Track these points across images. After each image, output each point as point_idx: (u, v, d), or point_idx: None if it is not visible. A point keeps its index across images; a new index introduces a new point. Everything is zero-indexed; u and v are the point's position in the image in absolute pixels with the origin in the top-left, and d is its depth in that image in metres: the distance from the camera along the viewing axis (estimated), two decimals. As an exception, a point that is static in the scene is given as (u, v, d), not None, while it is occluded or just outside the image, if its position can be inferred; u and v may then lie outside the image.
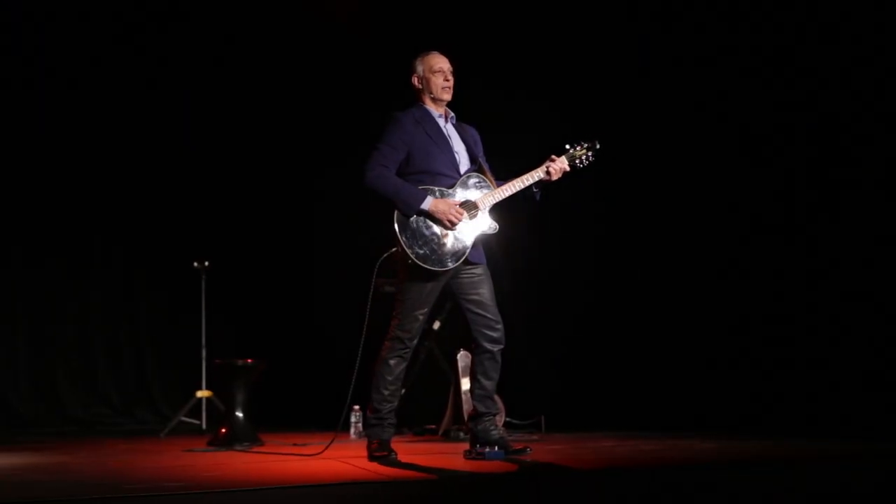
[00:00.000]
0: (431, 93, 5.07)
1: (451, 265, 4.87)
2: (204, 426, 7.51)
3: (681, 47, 6.97)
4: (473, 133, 5.20)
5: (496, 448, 4.85)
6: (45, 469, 4.73)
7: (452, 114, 5.15)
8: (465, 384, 6.22)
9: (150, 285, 8.55)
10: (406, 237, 4.82)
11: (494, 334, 5.03)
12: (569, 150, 5.14)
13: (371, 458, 4.88)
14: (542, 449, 5.36)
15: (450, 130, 5.11)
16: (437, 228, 4.87)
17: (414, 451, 5.25)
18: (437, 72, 5.06)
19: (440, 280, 4.93)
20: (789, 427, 6.15)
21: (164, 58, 8.46)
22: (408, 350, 4.99)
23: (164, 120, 8.46)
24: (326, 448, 5.13)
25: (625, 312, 7.26)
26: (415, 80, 5.11)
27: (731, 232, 6.75)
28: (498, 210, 5.03)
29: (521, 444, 5.15)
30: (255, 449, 5.79)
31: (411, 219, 4.83)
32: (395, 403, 5.02)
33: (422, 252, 4.82)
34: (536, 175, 5.04)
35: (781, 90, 6.48)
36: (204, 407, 7.57)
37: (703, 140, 6.89)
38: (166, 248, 8.49)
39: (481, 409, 5.04)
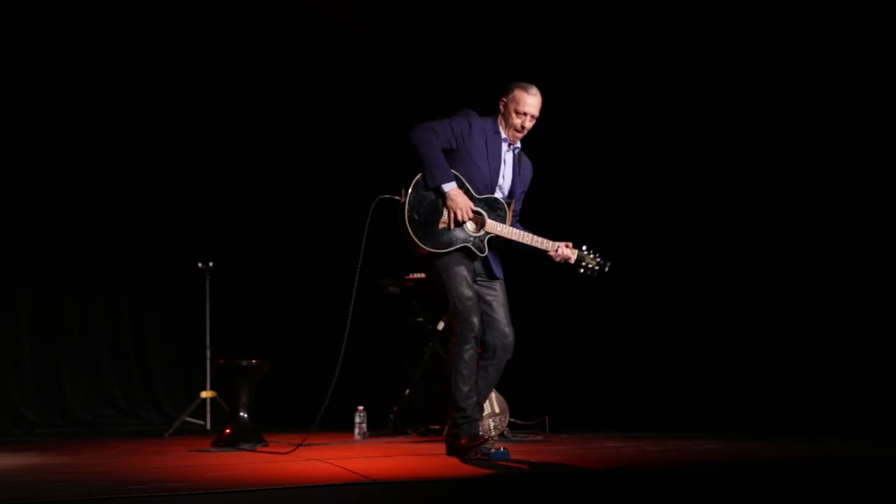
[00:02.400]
0: (506, 125, 5.10)
1: (428, 246, 4.91)
2: (208, 426, 7.52)
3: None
4: (527, 170, 5.24)
5: (501, 448, 4.85)
6: (50, 469, 4.73)
7: (519, 145, 5.18)
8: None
9: (155, 286, 8.56)
10: (413, 196, 4.89)
11: (507, 341, 5.06)
12: (584, 251, 5.18)
13: (465, 453, 4.80)
14: (546, 449, 5.37)
15: (508, 158, 5.14)
16: (443, 214, 4.92)
17: (418, 452, 5.25)
18: (522, 114, 5.06)
19: (466, 275, 4.95)
20: (792, 427, 6.16)
21: (166, 57, 8.47)
22: (477, 337, 4.95)
23: (167, 120, 8.47)
24: (298, 447, 5.18)
25: (628, 312, 7.27)
26: (501, 101, 5.12)
27: (733, 230, 6.76)
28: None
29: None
30: (262, 449, 5.80)
31: (426, 189, 4.91)
32: (476, 398, 5.00)
33: (417, 218, 4.89)
34: (545, 246, 5.09)
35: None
36: (208, 407, 7.59)
37: (713, 141, 6.91)
38: (170, 249, 8.50)
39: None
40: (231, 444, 5.87)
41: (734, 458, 4.75)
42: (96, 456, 5.53)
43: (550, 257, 5.13)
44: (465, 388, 4.94)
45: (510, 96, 5.07)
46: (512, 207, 5.12)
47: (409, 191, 4.91)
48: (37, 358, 8.06)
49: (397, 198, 4.94)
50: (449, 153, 5.00)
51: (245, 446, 5.84)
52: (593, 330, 7.41)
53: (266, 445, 5.92)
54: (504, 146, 5.11)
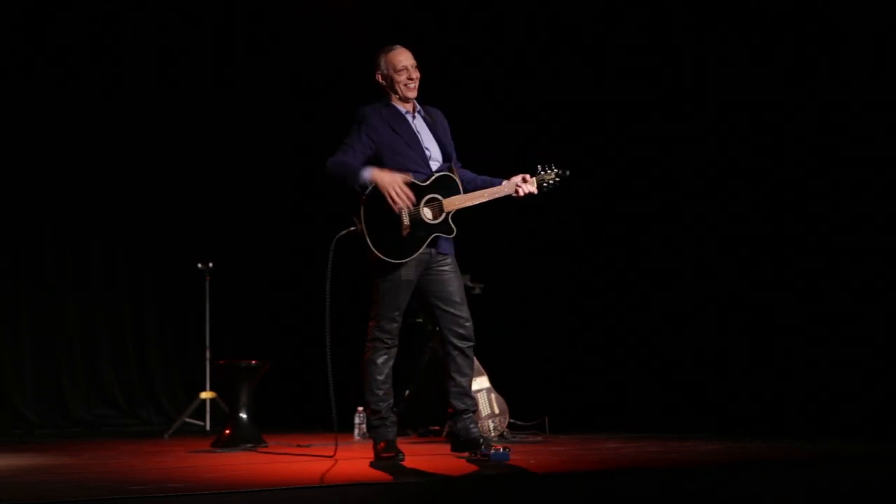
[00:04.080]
0: (396, 91, 5.02)
1: (405, 258, 4.82)
2: (208, 427, 7.52)
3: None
4: (441, 120, 5.14)
5: (502, 449, 4.85)
6: (50, 470, 4.74)
7: (419, 107, 5.09)
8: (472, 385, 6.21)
9: (155, 286, 8.55)
10: (367, 219, 4.78)
11: (463, 331, 5.00)
12: (540, 172, 5.05)
13: (378, 459, 4.88)
14: (545, 450, 5.37)
15: (418, 126, 5.05)
16: (403, 220, 4.79)
17: (418, 453, 5.25)
18: (401, 70, 4.99)
19: (411, 279, 4.89)
20: (792, 428, 6.15)
21: (166, 57, 8.46)
22: (392, 348, 4.97)
23: (167, 120, 8.46)
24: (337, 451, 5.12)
25: (629, 312, 7.26)
26: (378, 77, 5.05)
27: (734, 230, 6.76)
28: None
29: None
30: (262, 449, 5.80)
31: (373, 205, 4.77)
32: (392, 401, 5.02)
33: (381, 239, 4.78)
34: (504, 192, 4.98)
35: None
36: (208, 408, 7.58)
37: (705, 138, 6.90)
38: (170, 249, 8.49)
39: (460, 406, 5.02)
40: (231, 444, 5.87)
41: (734, 458, 4.75)
42: (96, 456, 5.53)
43: (514, 199, 5.04)
44: (380, 392, 4.96)
45: (382, 65, 5.01)
46: (455, 170, 5.00)
47: (362, 216, 4.79)
48: (37, 358, 8.05)
49: (353, 228, 4.83)
50: (374, 159, 4.91)
51: (245, 447, 5.84)
52: (594, 329, 7.39)
53: (266, 446, 5.92)
54: (409, 119, 5.02)
